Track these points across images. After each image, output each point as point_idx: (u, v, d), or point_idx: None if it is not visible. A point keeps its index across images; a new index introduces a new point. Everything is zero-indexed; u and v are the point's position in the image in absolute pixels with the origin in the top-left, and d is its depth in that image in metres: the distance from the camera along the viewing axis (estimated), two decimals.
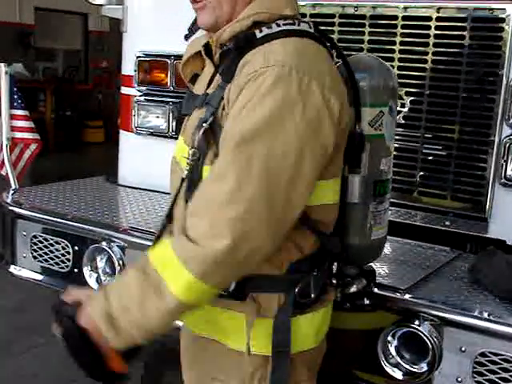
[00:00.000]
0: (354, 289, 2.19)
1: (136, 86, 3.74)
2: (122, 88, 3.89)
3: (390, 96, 2.13)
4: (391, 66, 2.87)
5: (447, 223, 2.97)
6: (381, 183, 2.13)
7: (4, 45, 11.68)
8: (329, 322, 2.04)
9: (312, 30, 1.88)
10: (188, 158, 1.86)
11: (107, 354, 1.75)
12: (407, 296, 2.38)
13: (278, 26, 1.82)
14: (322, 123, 1.74)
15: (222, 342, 1.93)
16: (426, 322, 2.28)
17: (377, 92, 2.06)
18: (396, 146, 2.94)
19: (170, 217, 2.00)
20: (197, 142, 1.83)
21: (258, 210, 1.66)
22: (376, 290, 2.38)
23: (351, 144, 1.95)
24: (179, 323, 2.12)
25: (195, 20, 2.04)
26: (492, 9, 2.77)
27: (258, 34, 1.81)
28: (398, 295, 2.38)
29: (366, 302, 2.29)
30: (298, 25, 1.86)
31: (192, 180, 1.86)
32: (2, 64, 3.89)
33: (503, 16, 2.74)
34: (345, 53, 2.01)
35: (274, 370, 1.85)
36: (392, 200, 2.97)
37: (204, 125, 1.81)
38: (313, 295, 1.91)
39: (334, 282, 2.12)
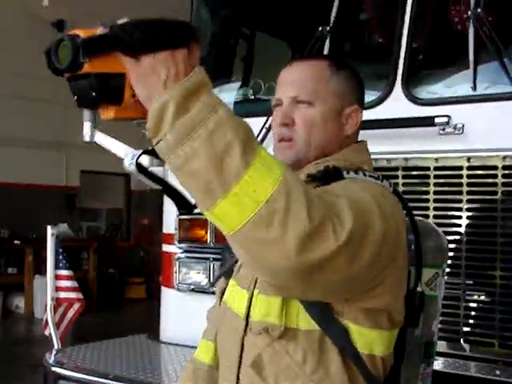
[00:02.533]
0: None
1: (177, 243, 3.80)
2: (164, 246, 3.97)
3: (444, 258, 2.16)
4: (425, 214, 2.93)
5: (497, 372, 2.88)
6: (431, 345, 2.11)
7: (51, 207, 12.03)
8: None
9: (391, 188, 1.91)
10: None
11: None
12: None
13: (365, 175, 1.87)
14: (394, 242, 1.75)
15: None
16: None
17: (436, 254, 2.09)
18: None
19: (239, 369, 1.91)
20: None
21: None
22: None
23: (411, 302, 1.94)
24: None
25: None
26: None
27: (346, 175, 1.85)
28: None
29: None
30: (382, 181, 1.90)
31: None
32: (49, 226, 4.02)
33: None
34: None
35: None
36: (438, 350, 2.96)
37: None
38: None
39: None
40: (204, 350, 2.24)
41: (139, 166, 1.92)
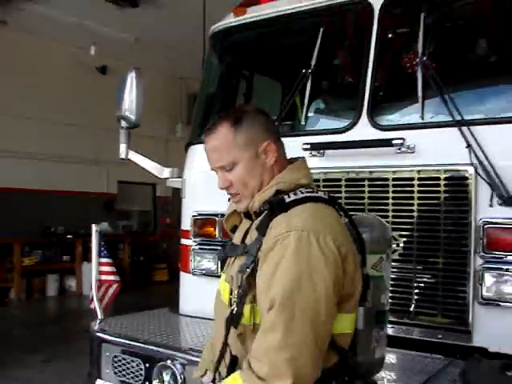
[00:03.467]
0: None
1: (192, 238, 3.78)
2: (182, 240, 3.94)
3: (387, 246, 2.14)
4: (386, 215, 2.92)
5: (439, 336, 2.88)
6: (381, 313, 2.10)
7: (95, 209, 12.03)
8: None
9: (326, 197, 1.90)
10: (234, 297, 1.84)
11: None
12: None
13: (302, 193, 1.85)
14: (337, 265, 1.74)
15: None
16: None
17: (377, 243, 2.07)
18: (395, 276, 2.94)
19: (225, 342, 1.93)
20: (241, 282, 1.81)
21: (307, 346, 1.65)
22: None
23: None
24: None
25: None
26: (458, 170, 2.82)
27: (287, 199, 1.83)
28: None
29: None
30: (316, 192, 1.89)
31: (236, 314, 1.83)
32: (94, 224, 4.01)
33: (467, 175, 2.79)
34: (350, 208, 2.03)
35: None
36: (394, 319, 2.94)
37: (247, 270, 1.80)
38: None
39: None
40: None
41: None
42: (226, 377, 1.85)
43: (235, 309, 1.82)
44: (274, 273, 1.71)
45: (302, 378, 1.64)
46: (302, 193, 1.85)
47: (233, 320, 1.83)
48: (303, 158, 2.04)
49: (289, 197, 1.84)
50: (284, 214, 1.80)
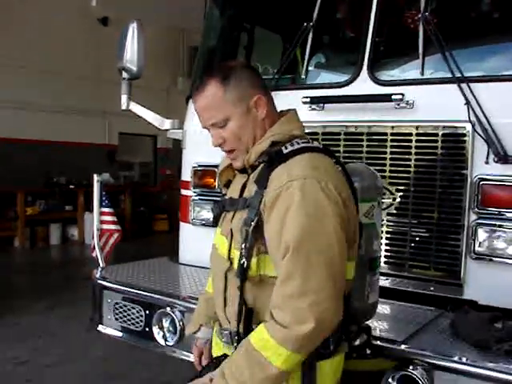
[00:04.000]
0: (357, 342, 2.15)
1: (192, 188, 3.79)
2: (182, 190, 3.95)
3: (378, 193, 2.14)
4: (383, 169, 2.92)
5: (431, 288, 2.92)
6: (374, 260, 2.12)
7: (97, 160, 12.03)
8: (342, 366, 1.99)
9: (321, 146, 1.91)
10: (240, 249, 1.84)
11: None
12: (403, 346, 2.32)
13: (298, 143, 1.86)
14: (342, 210, 1.76)
15: None
16: (418, 367, 2.22)
17: (367, 191, 2.07)
18: (390, 230, 2.96)
19: (225, 297, 1.96)
20: (246, 236, 1.81)
21: (326, 290, 1.67)
22: (378, 342, 2.34)
23: None
24: None
25: None
26: (456, 127, 2.81)
27: (285, 150, 1.83)
28: (396, 346, 2.33)
29: (368, 351, 2.25)
30: (312, 143, 1.90)
31: (243, 267, 1.83)
32: (95, 175, 4.00)
33: (464, 132, 2.78)
34: (348, 162, 2.03)
35: None
36: (388, 271, 2.98)
37: (252, 223, 1.80)
38: (332, 347, 1.87)
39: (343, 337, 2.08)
40: (209, 284, 2.28)
41: None
42: (238, 331, 1.88)
43: (244, 262, 1.82)
44: (283, 222, 1.73)
45: (324, 322, 1.67)
46: (299, 143, 1.86)
47: (241, 273, 1.84)
48: (294, 109, 2.03)
49: (286, 148, 1.84)
50: (283, 164, 1.80)
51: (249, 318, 1.87)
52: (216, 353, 2.11)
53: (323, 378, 1.86)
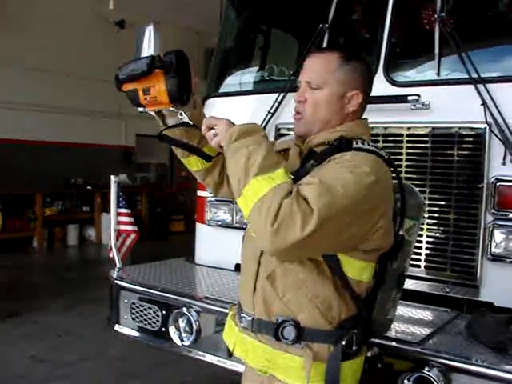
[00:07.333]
0: (369, 354, 2.12)
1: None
2: (198, 191, 3.96)
3: (421, 214, 2.13)
4: (399, 171, 2.90)
5: (447, 290, 2.90)
6: (402, 277, 2.10)
7: (114, 162, 12.10)
8: (362, 367, 1.98)
9: (386, 157, 1.89)
10: None
11: None
12: (419, 348, 2.31)
13: (368, 144, 1.86)
14: (380, 202, 1.78)
15: (282, 380, 1.88)
16: (434, 368, 2.21)
17: (413, 209, 2.06)
18: None
19: (255, 282, 1.94)
20: None
21: (330, 215, 1.61)
22: (394, 343, 2.33)
23: (394, 242, 1.93)
24: (241, 369, 2.08)
25: None
26: (472, 128, 2.79)
27: (355, 144, 1.84)
28: (412, 347, 2.32)
29: (379, 365, 2.24)
30: (380, 150, 1.89)
31: None
32: (112, 176, 4.03)
33: (480, 133, 2.76)
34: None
35: None
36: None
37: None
38: (354, 347, 1.87)
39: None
40: None
41: (161, 136, 2.10)
42: (260, 319, 1.89)
43: None
44: (320, 168, 1.77)
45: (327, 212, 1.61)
46: (369, 145, 1.86)
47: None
48: (366, 118, 2.06)
49: (356, 143, 1.85)
50: (350, 151, 1.82)
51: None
52: (228, 337, 2.10)
53: (344, 379, 1.85)
